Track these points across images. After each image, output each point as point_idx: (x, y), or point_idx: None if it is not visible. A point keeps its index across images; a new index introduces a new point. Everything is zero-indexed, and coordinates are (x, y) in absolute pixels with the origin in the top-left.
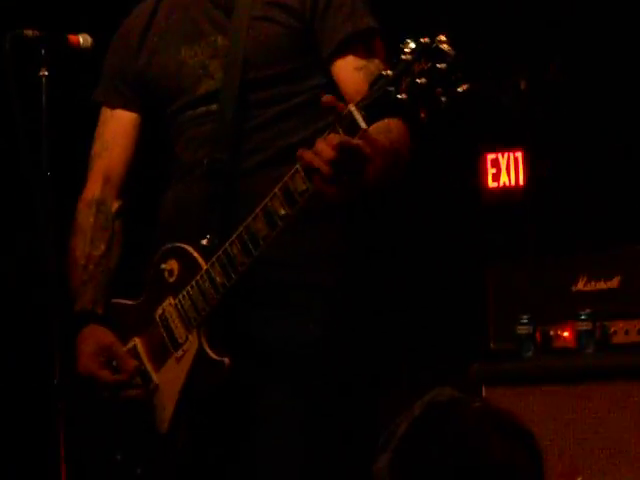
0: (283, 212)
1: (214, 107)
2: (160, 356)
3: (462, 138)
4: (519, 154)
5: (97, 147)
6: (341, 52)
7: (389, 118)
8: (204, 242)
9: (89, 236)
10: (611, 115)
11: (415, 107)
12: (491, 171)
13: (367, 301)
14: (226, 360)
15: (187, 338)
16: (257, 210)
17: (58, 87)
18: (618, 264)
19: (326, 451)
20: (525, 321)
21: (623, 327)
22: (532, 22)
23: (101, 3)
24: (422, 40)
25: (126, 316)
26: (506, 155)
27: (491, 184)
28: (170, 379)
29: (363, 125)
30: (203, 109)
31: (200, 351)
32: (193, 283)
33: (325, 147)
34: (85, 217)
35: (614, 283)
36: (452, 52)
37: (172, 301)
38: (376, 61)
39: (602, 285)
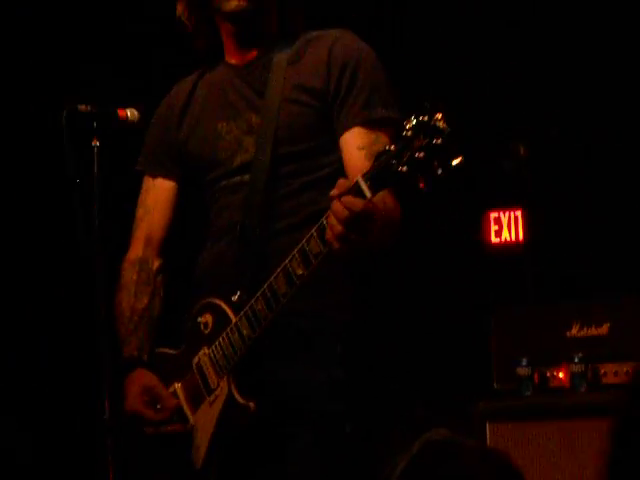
0: (300, 272)
1: (247, 177)
2: (196, 400)
3: (468, 199)
4: (519, 213)
5: (140, 212)
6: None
7: (384, 191)
8: (234, 298)
9: (133, 291)
10: (603, 177)
11: (414, 178)
12: (494, 228)
13: (382, 346)
14: (251, 405)
15: (218, 384)
16: (278, 270)
17: (109, 156)
18: (607, 313)
19: None
20: (524, 363)
21: (612, 369)
22: (530, 91)
23: (147, 80)
24: (421, 118)
25: (168, 363)
26: (507, 214)
27: (494, 239)
28: (204, 421)
29: (368, 194)
30: (237, 179)
31: (229, 396)
32: (224, 335)
33: (340, 207)
34: (129, 274)
35: (604, 330)
36: (447, 129)
37: (206, 351)
38: (382, 140)
39: (593, 331)
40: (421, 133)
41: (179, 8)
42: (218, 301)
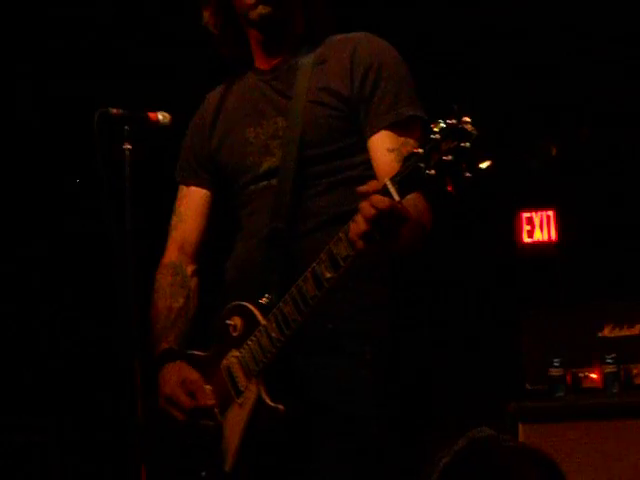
0: (328, 275)
1: (274, 181)
2: (225, 402)
3: (500, 198)
4: (551, 213)
5: (174, 220)
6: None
7: (415, 193)
8: (263, 301)
9: (169, 292)
10: (635, 177)
11: (442, 181)
12: (526, 228)
13: (413, 347)
14: (281, 407)
15: (247, 387)
16: (306, 273)
17: (140, 159)
18: (639, 313)
19: None
20: (557, 364)
21: None
22: (562, 91)
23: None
24: (449, 121)
25: (197, 365)
26: (539, 214)
27: (526, 239)
28: (233, 423)
29: (396, 197)
30: (265, 183)
31: (258, 399)
32: (253, 337)
33: (367, 205)
34: (164, 278)
35: (636, 330)
36: (475, 132)
37: (235, 353)
38: (410, 141)
39: (625, 332)
40: (449, 136)
41: (205, 15)
42: (247, 304)
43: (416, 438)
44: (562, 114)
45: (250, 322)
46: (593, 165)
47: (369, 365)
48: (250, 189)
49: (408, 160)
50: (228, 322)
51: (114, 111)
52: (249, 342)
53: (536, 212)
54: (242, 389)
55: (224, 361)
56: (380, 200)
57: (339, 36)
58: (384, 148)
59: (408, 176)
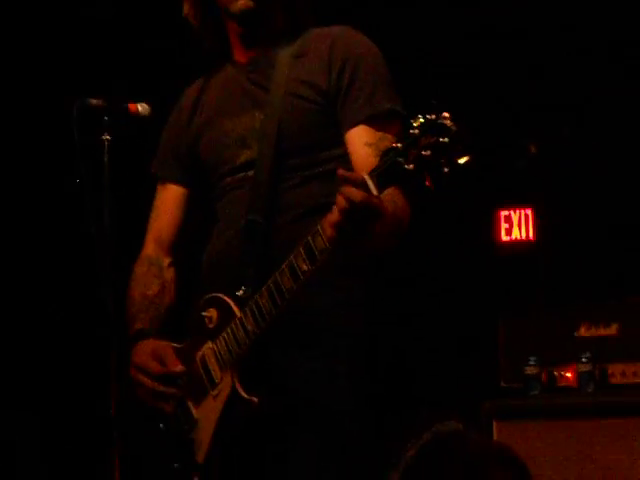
0: (305, 268)
1: (251, 173)
2: (200, 394)
3: (478, 196)
4: (529, 211)
5: (153, 214)
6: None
7: (394, 189)
8: (240, 293)
9: (143, 282)
10: (614, 176)
11: (421, 176)
12: (504, 226)
13: (388, 344)
14: (255, 399)
15: (222, 379)
16: (283, 265)
17: (119, 150)
18: (616, 313)
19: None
20: (532, 362)
21: (620, 369)
22: (542, 89)
23: (161, 75)
24: (428, 116)
25: None
26: (518, 212)
27: (504, 238)
28: (207, 415)
29: (375, 192)
30: (242, 175)
31: (233, 391)
32: (228, 329)
33: (340, 197)
34: (140, 268)
35: (612, 330)
36: (454, 127)
37: (210, 345)
38: (388, 136)
39: (602, 332)
40: (428, 131)
41: (185, 7)
42: (223, 295)
43: (392, 433)
44: (543, 113)
45: (226, 314)
46: (573, 164)
47: (345, 361)
48: (227, 181)
49: (386, 155)
50: (204, 314)
51: (93, 102)
52: (224, 334)
53: (514, 210)
54: (217, 381)
55: (199, 352)
56: (356, 192)
57: (318, 29)
58: (361, 142)
59: (386, 170)
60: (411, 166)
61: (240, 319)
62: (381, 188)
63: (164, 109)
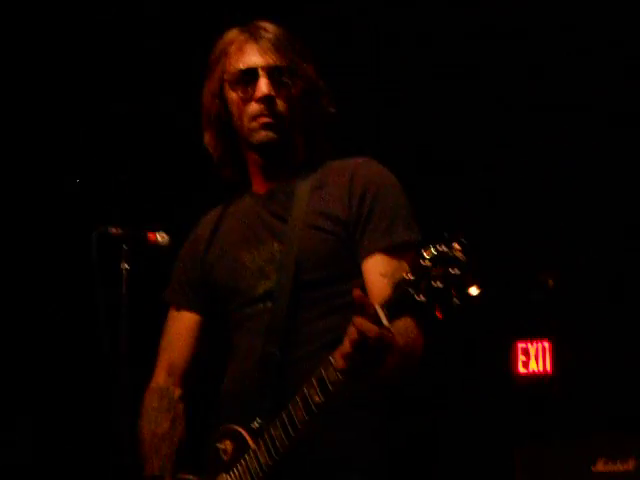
0: (318, 400)
1: (269, 304)
2: None
3: (496, 329)
4: (546, 344)
5: (164, 342)
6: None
7: (407, 319)
8: (255, 425)
9: (153, 417)
10: (631, 305)
11: (432, 307)
12: (521, 358)
13: (405, 472)
14: None
15: None
16: (296, 397)
17: (138, 279)
18: (633, 447)
19: None
20: None
21: None
22: (558, 223)
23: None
24: (439, 248)
25: None
26: (535, 344)
27: (521, 370)
28: None
29: (385, 322)
30: (260, 306)
31: None
32: (242, 462)
33: (353, 329)
34: (150, 402)
35: (629, 465)
36: (465, 259)
37: (225, 478)
38: (404, 266)
39: (619, 467)
40: (439, 262)
41: (206, 137)
42: (238, 428)
43: None
44: (543, 113)
45: (240, 446)
46: (590, 297)
47: None
48: (246, 311)
49: (398, 286)
50: (219, 445)
51: (113, 230)
52: (238, 466)
53: (532, 343)
54: None
55: None
56: (367, 325)
57: (338, 161)
58: (377, 272)
59: (398, 301)
60: (422, 297)
61: (254, 451)
62: (392, 318)
63: (179, 236)
